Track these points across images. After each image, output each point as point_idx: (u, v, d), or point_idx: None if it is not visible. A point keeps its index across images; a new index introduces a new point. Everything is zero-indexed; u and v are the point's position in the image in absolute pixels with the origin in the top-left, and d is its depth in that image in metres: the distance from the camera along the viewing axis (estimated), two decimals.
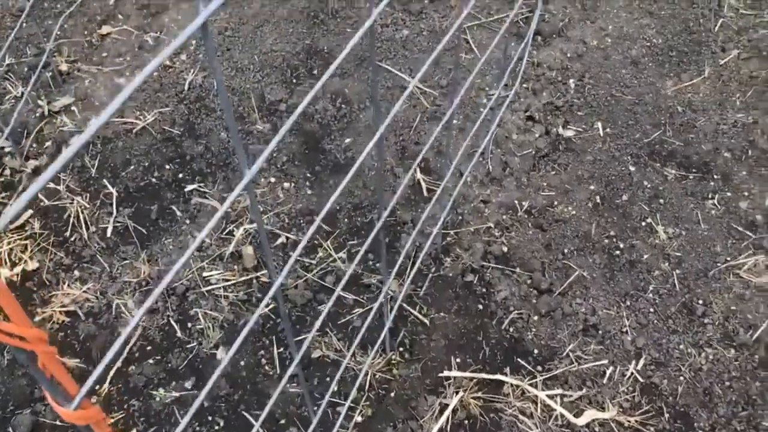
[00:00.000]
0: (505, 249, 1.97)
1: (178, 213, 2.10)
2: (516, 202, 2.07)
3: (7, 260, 2.00)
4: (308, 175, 2.18)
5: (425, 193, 2.11)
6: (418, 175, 2.16)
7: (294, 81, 2.43)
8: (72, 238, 2.05)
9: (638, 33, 2.47)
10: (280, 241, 2.03)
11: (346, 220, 2.07)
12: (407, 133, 2.27)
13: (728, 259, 1.92)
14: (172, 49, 0.57)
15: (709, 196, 2.05)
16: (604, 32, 2.48)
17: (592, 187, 2.08)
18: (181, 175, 2.19)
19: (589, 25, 2.51)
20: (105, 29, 2.56)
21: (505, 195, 2.09)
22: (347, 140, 2.26)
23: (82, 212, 2.09)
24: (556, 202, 2.06)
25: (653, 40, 2.44)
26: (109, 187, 2.15)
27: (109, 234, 2.05)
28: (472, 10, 2.60)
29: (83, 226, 2.07)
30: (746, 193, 2.06)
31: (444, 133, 2.27)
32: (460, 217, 2.04)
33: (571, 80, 2.35)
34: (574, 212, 2.04)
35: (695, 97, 2.28)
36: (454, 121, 2.28)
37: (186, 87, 2.40)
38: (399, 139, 2.25)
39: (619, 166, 2.13)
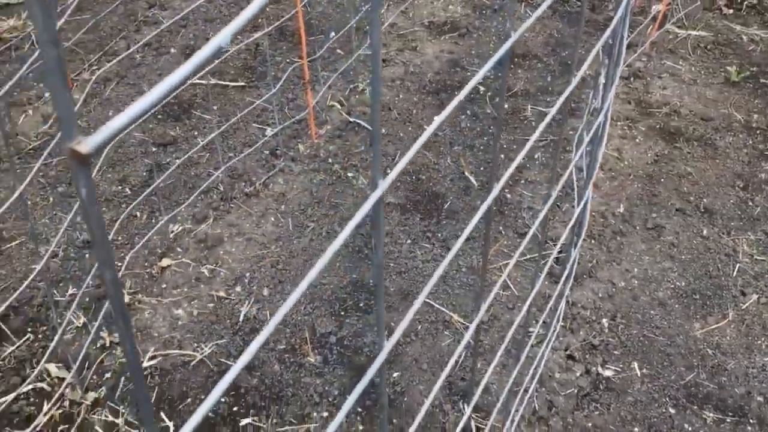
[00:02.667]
0: None
1: None
2: None
3: None
4: (359, 409, 2.26)
5: (474, 430, 2.18)
6: (468, 413, 2.24)
7: (342, 313, 2.58)
8: None
9: (662, 276, 2.68)
10: None
11: None
12: (453, 368, 2.38)
13: None
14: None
15: None
16: (630, 274, 2.69)
17: (636, 430, 2.17)
18: (236, 409, 2.26)
19: (615, 266, 2.72)
20: (165, 262, 2.75)
21: None
22: (395, 374, 2.36)
23: None
24: None
25: (677, 282, 2.64)
26: (167, 420, 2.22)
27: None
28: (505, 248, 2.82)
29: None
30: None
31: (487, 369, 2.39)
32: None
33: (605, 320, 2.51)
34: None
35: (722, 340, 2.43)
36: (498, 358, 2.40)
37: (241, 319, 2.54)
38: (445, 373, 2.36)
39: (659, 408, 2.23)
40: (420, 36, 4.24)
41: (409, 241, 2.86)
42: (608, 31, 1.29)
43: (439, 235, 2.90)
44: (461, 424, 1.37)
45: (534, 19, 0.93)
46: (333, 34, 4.11)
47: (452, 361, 1.14)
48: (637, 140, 3.43)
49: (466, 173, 3.21)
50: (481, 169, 3.27)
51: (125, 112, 0.43)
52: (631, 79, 3.87)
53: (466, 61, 4.03)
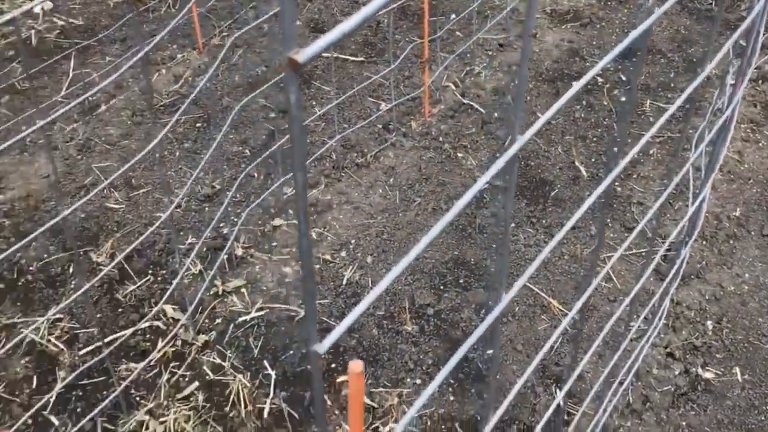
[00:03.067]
0: None
1: (329, 402, 2.25)
2: None
3: (172, 429, 2.17)
4: (452, 381, 2.32)
5: (566, 416, 2.19)
6: (559, 398, 2.25)
7: (441, 288, 2.63)
8: (231, 414, 2.22)
9: None
10: None
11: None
12: (547, 353, 2.40)
13: None
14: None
15: None
16: (741, 279, 2.61)
17: None
18: (333, 365, 2.36)
19: (726, 270, 2.64)
20: (277, 221, 2.88)
21: (645, 430, 2.15)
22: (489, 351, 2.40)
23: (242, 390, 2.27)
24: None
25: None
26: (269, 369, 2.34)
27: (265, 415, 2.21)
28: (611, 240, 2.79)
29: (242, 403, 2.24)
30: None
31: (583, 357, 2.39)
32: None
33: (709, 322, 2.45)
34: None
35: None
36: (595, 347, 2.40)
37: (344, 282, 2.64)
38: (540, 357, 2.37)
39: (759, 416, 2.17)
40: (541, 23, 4.20)
41: (513, 225, 2.87)
42: (739, 30, 1.27)
43: (544, 221, 2.90)
44: (552, 407, 1.40)
45: (661, 13, 0.95)
46: (454, 16, 4.13)
47: (548, 345, 1.17)
48: (760, 144, 3.29)
49: (576, 163, 3.18)
50: (592, 160, 3.23)
51: (332, 32, 0.49)
52: (759, 81, 3.71)
53: (587, 51, 3.97)
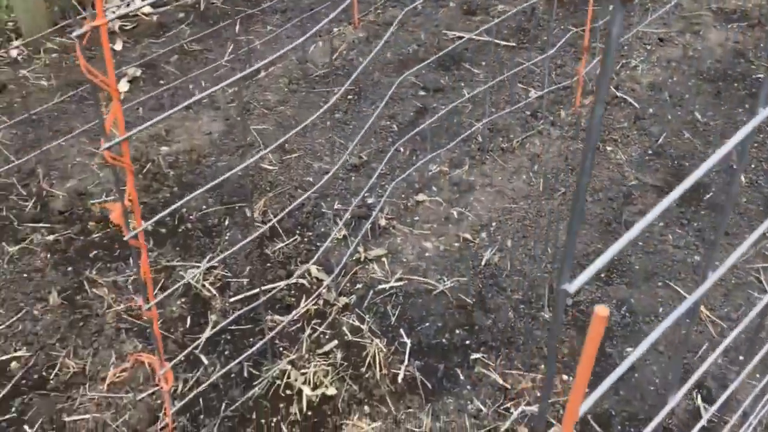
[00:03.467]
0: None
1: (461, 377, 2.29)
2: None
3: (312, 381, 2.28)
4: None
5: (705, 424, 2.13)
6: (699, 402, 2.19)
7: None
8: (366, 375, 2.30)
9: None
10: (553, 431, 2.13)
11: (619, 427, 2.14)
12: (691, 357, 2.33)
13: None
14: None
15: None
16: None
17: None
18: (468, 342, 2.39)
19: None
20: (420, 197, 2.93)
21: None
22: (628, 349, 2.36)
23: (379, 353, 2.35)
24: None
25: None
26: (405, 337, 2.41)
27: (399, 380, 2.28)
28: (767, 251, 2.66)
29: (378, 366, 2.31)
30: None
31: (729, 366, 2.30)
32: None
33: None
34: None
35: None
36: (741, 358, 2.31)
37: (482, 263, 2.66)
38: (683, 360, 2.31)
39: None
40: (705, 21, 4.02)
41: (662, 224, 2.79)
42: None
43: (695, 224, 2.80)
44: (702, 422, 1.37)
45: None
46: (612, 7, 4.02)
47: (706, 365, 1.14)
48: None
49: (735, 167, 3.04)
50: (752, 166, 3.08)
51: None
52: None
53: (753, 53, 3.77)
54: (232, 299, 2.54)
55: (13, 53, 3.76)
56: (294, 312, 2.47)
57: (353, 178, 3.05)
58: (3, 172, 2.99)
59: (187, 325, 2.47)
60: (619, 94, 3.47)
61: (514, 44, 3.86)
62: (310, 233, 2.81)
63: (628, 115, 3.37)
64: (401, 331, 2.43)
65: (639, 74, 3.60)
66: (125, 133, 1.52)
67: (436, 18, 4.09)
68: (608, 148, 3.19)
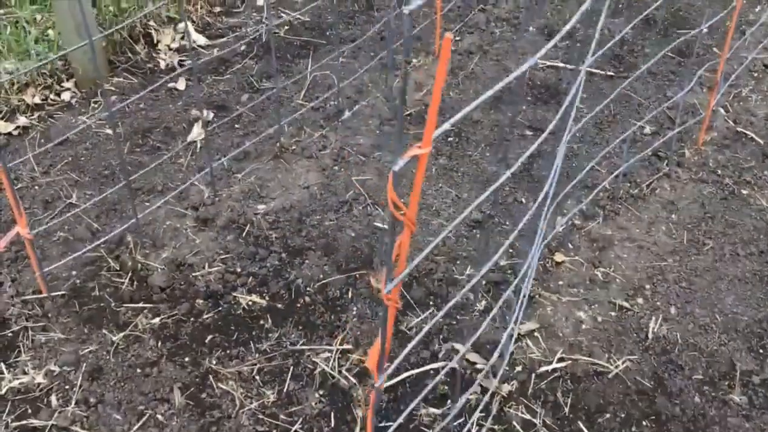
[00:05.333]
0: None
1: None
2: None
3: None
4: None
5: None
6: None
7: (761, 351, 2.35)
8: None
9: None
10: None
11: None
12: None
13: None
14: None
15: None
16: None
17: None
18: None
19: None
20: (558, 257, 2.65)
21: None
22: None
23: None
24: None
25: None
26: (586, 431, 2.13)
27: None
28: None
29: None
30: None
31: None
32: None
33: None
34: None
35: None
36: None
37: (649, 335, 2.39)
38: None
39: None
40: None
41: None
42: None
43: None
44: None
45: None
46: (705, 30, 3.79)
47: None
48: None
49: None
50: None
51: None
52: None
53: None
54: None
55: (66, 96, 3.40)
56: (449, 404, 2.18)
57: (477, 235, 2.76)
58: (88, 239, 2.65)
59: (332, 424, 2.17)
60: (739, 128, 3.23)
61: (611, 73, 3.60)
62: (444, 303, 2.51)
63: (753, 152, 3.12)
64: (580, 424, 2.15)
65: (753, 105, 3.36)
66: (402, 268, 1.22)
67: (517, 44, 3.81)
68: (743, 192, 2.94)
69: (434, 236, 2.74)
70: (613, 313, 2.47)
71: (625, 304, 2.49)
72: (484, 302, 2.50)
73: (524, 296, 2.31)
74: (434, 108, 1.07)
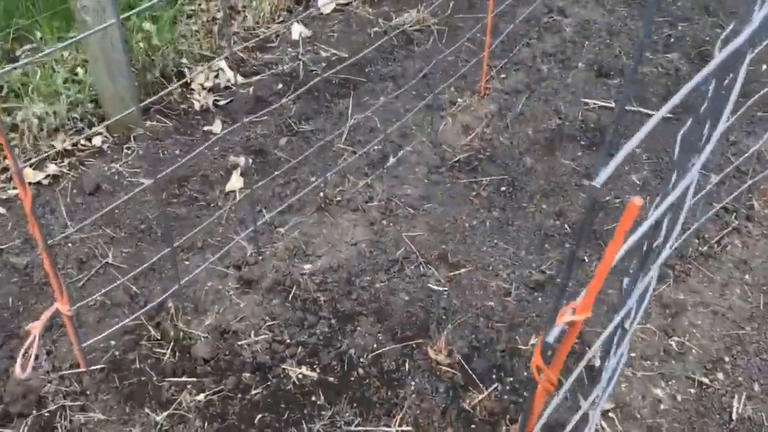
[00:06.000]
0: None
1: None
2: None
3: None
4: None
5: None
6: None
7: None
8: None
9: None
10: None
11: None
12: None
13: None
14: None
15: None
16: None
17: None
18: None
19: None
20: (627, 324, 2.48)
21: None
22: None
23: None
24: None
25: None
26: None
27: None
28: None
29: None
30: None
31: None
32: None
33: None
34: None
35: None
36: None
37: (733, 416, 2.21)
38: None
39: None
40: None
41: None
42: None
43: None
44: None
45: None
46: (765, 67, 3.61)
47: None
48: None
49: None
50: None
51: None
52: None
53: None
54: None
55: (97, 141, 3.26)
56: None
57: (539, 299, 2.58)
58: (126, 304, 2.50)
59: None
60: None
61: (669, 114, 3.42)
62: (511, 378, 2.34)
63: None
64: None
65: None
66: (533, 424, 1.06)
67: (567, 83, 3.63)
68: None
69: (494, 299, 2.57)
70: (692, 390, 2.29)
71: (705, 380, 2.31)
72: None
73: (614, 372, 2.13)
74: (600, 279, 0.90)
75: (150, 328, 2.43)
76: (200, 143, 3.27)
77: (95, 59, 3.10)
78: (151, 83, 3.50)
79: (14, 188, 2.97)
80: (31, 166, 3.08)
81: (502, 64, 3.73)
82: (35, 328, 1.99)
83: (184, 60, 3.66)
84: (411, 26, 4.01)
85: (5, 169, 3.06)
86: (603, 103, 3.48)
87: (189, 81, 3.61)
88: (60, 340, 2.38)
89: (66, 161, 3.12)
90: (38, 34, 3.62)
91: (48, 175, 3.05)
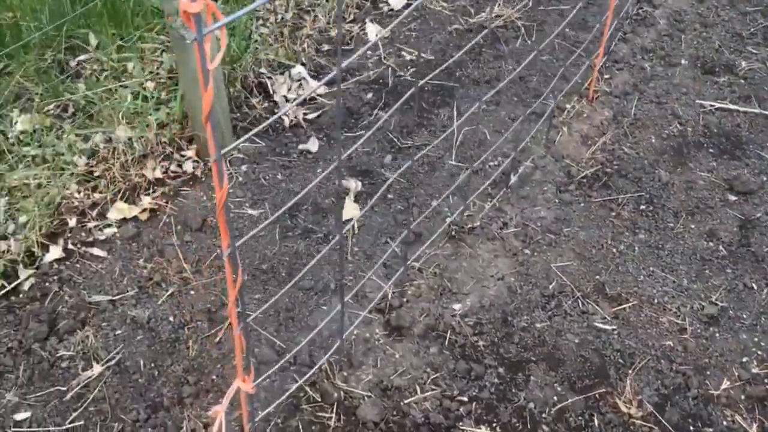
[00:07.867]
0: None
1: None
2: None
3: None
4: None
5: None
6: None
7: None
8: None
9: None
10: None
11: None
12: None
13: None
14: None
15: None
16: None
17: None
18: None
19: None
20: None
21: None
22: None
23: None
24: None
25: None
26: None
27: None
28: None
29: None
30: None
31: None
32: None
33: None
34: None
35: None
36: None
37: None
38: None
39: None
40: None
41: None
42: None
43: None
44: None
45: None
46: None
47: None
48: None
49: None
50: None
51: None
52: None
53: None
54: None
55: (189, 167, 2.96)
56: None
57: (717, 334, 2.39)
58: (274, 361, 2.24)
59: None
60: None
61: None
62: (710, 429, 2.15)
63: None
64: None
65: None
66: None
67: (675, 82, 3.41)
68: None
69: (670, 337, 2.37)
70: None
71: None
72: (755, 426, 2.14)
73: None
74: None
75: (307, 388, 2.19)
76: (300, 165, 3.00)
77: (187, 76, 2.79)
78: (235, 98, 3.20)
79: (110, 225, 2.68)
80: (122, 198, 2.79)
81: (603, 62, 3.49)
82: (219, 412, 1.74)
83: (262, 69, 3.36)
84: (495, 23, 3.75)
85: (95, 204, 2.76)
86: (720, 105, 3.27)
87: (271, 92, 3.32)
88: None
89: (159, 191, 2.83)
90: (92, 41, 3.30)
91: (144, 209, 2.76)
